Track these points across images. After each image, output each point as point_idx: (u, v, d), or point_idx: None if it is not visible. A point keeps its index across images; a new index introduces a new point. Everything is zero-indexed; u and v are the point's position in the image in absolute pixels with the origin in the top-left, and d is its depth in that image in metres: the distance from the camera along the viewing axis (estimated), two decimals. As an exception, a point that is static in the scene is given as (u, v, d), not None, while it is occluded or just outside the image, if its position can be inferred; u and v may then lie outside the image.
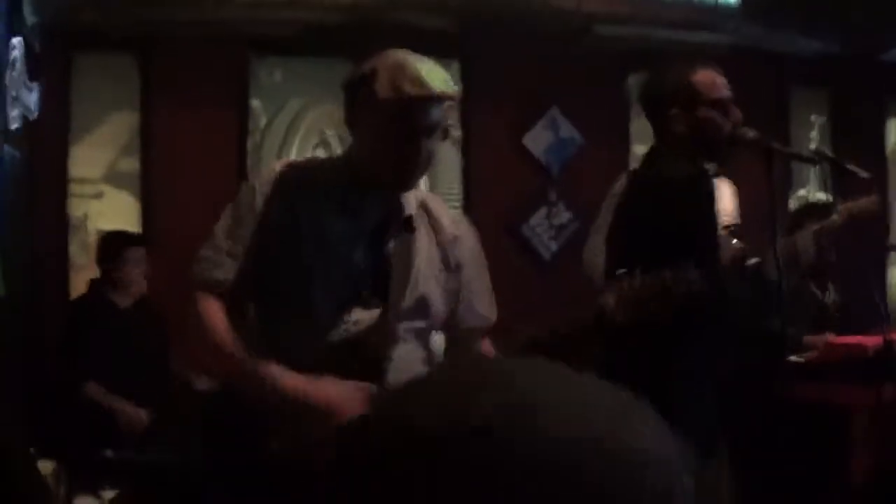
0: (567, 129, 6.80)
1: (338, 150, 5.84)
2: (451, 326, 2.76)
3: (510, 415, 0.68)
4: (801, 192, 7.22)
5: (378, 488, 0.67)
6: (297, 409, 2.42)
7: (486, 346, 2.73)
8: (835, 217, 4.62)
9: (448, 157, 6.62)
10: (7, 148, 5.12)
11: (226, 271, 2.59)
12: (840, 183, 4.24)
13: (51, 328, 5.61)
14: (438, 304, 2.66)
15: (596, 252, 3.69)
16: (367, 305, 2.56)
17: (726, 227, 3.34)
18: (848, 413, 4.61)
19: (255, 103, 6.52)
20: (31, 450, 4.35)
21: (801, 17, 6.75)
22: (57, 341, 5.38)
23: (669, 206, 2.97)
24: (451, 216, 2.77)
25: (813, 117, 7.54)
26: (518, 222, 6.72)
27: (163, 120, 6.26)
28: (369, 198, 2.59)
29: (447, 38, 6.36)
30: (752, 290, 3.81)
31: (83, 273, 5.72)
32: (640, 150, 5.74)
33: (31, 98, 5.53)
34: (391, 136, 2.47)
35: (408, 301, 2.58)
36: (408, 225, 2.61)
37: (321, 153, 6.39)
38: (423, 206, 2.69)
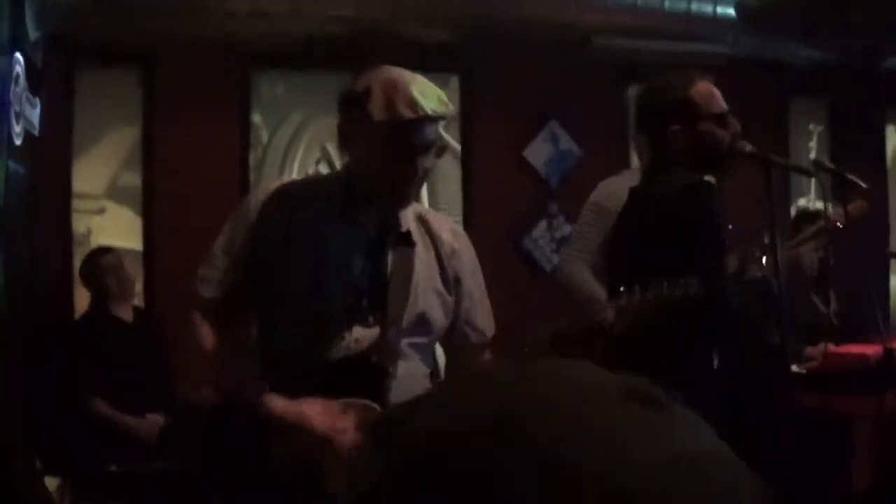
0: (566, 142, 6.82)
1: (339, 164, 5.86)
2: (449, 340, 2.76)
3: (521, 424, 0.64)
4: (801, 202, 7.23)
5: None
6: (290, 430, 2.43)
7: (486, 360, 2.74)
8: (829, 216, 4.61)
9: (448, 170, 6.63)
10: (10, 163, 5.12)
11: (223, 289, 2.60)
12: (840, 193, 4.23)
13: (54, 344, 5.62)
14: (438, 318, 2.65)
15: (572, 261, 3.69)
16: (367, 322, 2.56)
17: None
18: (849, 423, 4.61)
19: (257, 117, 6.54)
20: (37, 464, 4.36)
21: (799, 26, 6.76)
22: (61, 357, 5.39)
23: (674, 221, 2.97)
24: (449, 229, 2.77)
25: (812, 126, 7.55)
26: (519, 235, 6.74)
27: (164, 134, 6.28)
28: (367, 214, 2.59)
29: (447, 51, 6.38)
30: (753, 299, 3.82)
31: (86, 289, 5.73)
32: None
33: (34, 113, 5.54)
34: (387, 155, 2.47)
35: (408, 317, 2.58)
36: (406, 240, 2.61)
37: (323, 167, 6.41)
38: (421, 220, 2.69)
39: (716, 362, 3.19)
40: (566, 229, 6.69)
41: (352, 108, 2.50)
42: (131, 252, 6.11)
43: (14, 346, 5.19)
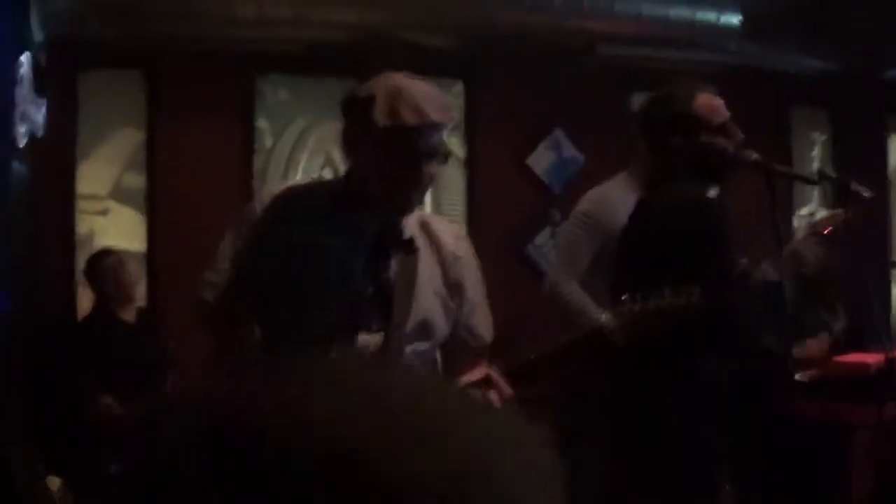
0: (570, 149, 6.83)
1: (343, 169, 5.86)
2: (449, 345, 2.76)
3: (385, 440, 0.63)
4: (804, 211, 7.24)
5: None
6: None
7: (483, 366, 2.73)
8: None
9: (452, 177, 6.64)
10: (15, 164, 5.14)
11: (225, 295, 2.60)
12: (842, 201, 4.24)
13: (57, 344, 5.63)
14: (441, 324, 2.65)
15: (559, 275, 3.63)
16: (370, 329, 2.56)
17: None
18: (849, 431, 4.61)
19: (262, 122, 6.55)
20: (39, 465, 4.36)
21: (801, 36, 6.77)
22: (63, 358, 5.41)
23: (678, 235, 2.97)
24: (452, 234, 2.76)
25: (814, 135, 7.56)
26: (522, 242, 6.74)
27: (168, 136, 6.29)
28: (369, 220, 2.57)
29: (451, 58, 6.39)
30: (756, 306, 3.82)
31: (90, 290, 5.74)
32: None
33: (39, 115, 5.55)
34: (390, 162, 2.46)
35: (411, 324, 2.57)
36: (409, 247, 2.61)
37: (328, 173, 6.41)
38: (424, 226, 2.68)
39: (720, 371, 3.20)
40: (569, 236, 6.70)
41: (356, 114, 2.48)
42: (134, 253, 6.12)
43: (16, 346, 5.19)
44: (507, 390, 2.43)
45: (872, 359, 4.70)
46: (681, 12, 6.40)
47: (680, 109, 3.18)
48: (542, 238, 6.75)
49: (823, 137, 7.56)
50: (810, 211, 7.22)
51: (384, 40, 6.09)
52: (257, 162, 6.50)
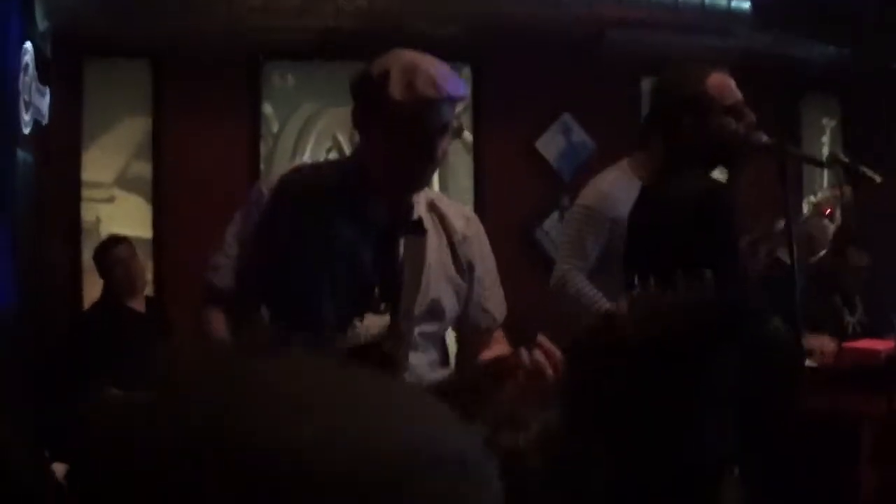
0: (579, 134, 6.80)
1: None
2: (461, 326, 2.75)
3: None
4: (813, 198, 7.21)
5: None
6: None
7: (501, 341, 2.71)
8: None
9: (460, 162, 6.62)
10: (20, 152, 5.13)
11: (234, 278, 2.59)
12: (853, 186, 4.21)
13: (64, 333, 5.63)
14: (451, 305, 2.64)
15: (567, 269, 3.60)
16: (378, 310, 2.55)
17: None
18: (859, 419, 4.58)
19: (268, 108, 6.53)
20: (44, 453, 4.35)
21: (812, 22, 6.73)
22: (71, 347, 5.40)
23: (692, 222, 2.94)
24: (461, 214, 2.74)
25: (824, 122, 7.52)
26: (531, 227, 6.72)
27: (174, 124, 6.28)
28: (378, 201, 2.57)
29: (459, 43, 6.36)
30: (768, 295, 3.79)
31: (96, 278, 5.73)
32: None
33: (43, 103, 5.55)
34: (405, 137, 2.44)
35: (420, 305, 2.56)
36: (418, 227, 2.60)
37: (334, 157, 6.39)
38: (432, 207, 2.67)
39: (733, 362, 3.16)
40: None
41: (369, 92, 2.47)
42: (141, 240, 6.10)
43: (22, 335, 5.19)
44: (557, 353, 2.37)
45: (882, 346, 4.68)
46: (691, -3, 6.38)
47: (690, 92, 3.15)
48: (551, 223, 6.72)
49: (833, 123, 7.53)
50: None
51: (391, 27, 6.06)
52: (264, 148, 6.48)
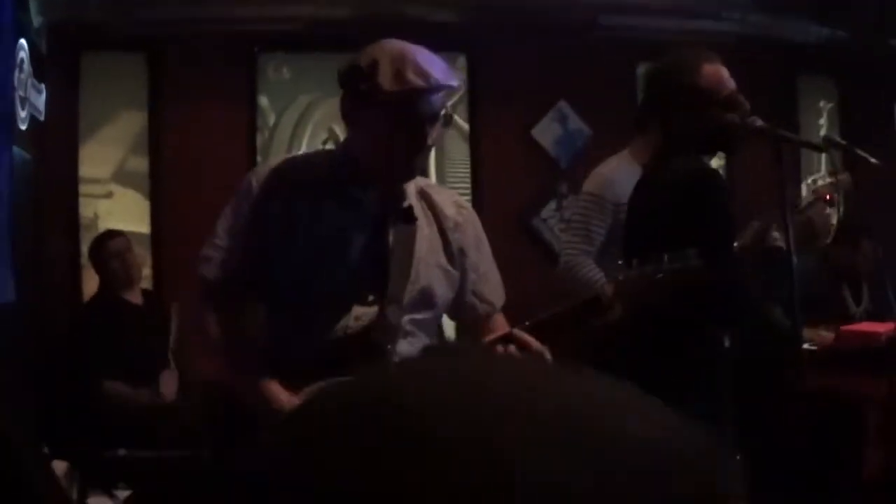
0: (575, 121, 6.78)
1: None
2: (459, 313, 2.75)
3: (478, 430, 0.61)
4: (811, 180, 7.19)
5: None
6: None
7: (502, 327, 2.70)
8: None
9: (457, 151, 6.61)
10: (16, 149, 5.13)
11: (225, 270, 2.59)
12: (850, 169, 4.21)
13: (63, 328, 5.63)
14: (442, 293, 2.63)
15: (575, 254, 3.62)
16: (368, 300, 2.55)
17: None
18: (860, 402, 4.58)
19: (263, 100, 6.52)
20: (45, 450, 4.36)
21: (808, 4, 6.72)
22: (70, 342, 5.40)
23: (684, 205, 2.94)
24: (452, 202, 2.74)
25: (821, 104, 7.51)
26: (529, 215, 6.71)
27: (171, 118, 6.27)
28: (368, 191, 2.57)
29: (454, 31, 6.35)
30: (764, 277, 3.79)
31: (94, 273, 5.73)
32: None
33: (40, 99, 5.54)
34: (394, 127, 2.44)
35: (410, 294, 2.56)
36: (408, 216, 2.60)
37: (331, 148, 6.39)
38: (423, 195, 2.67)
39: (727, 343, 3.17)
40: (575, 209, 6.67)
41: (357, 82, 2.47)
42: (139, 235, 6.10)
43: (22, 331, 5.20)
44: (535, 344, 2.39)
45: (883, 328, 4.67)
46: (686, -19, 6.36)
47: (685, 83, 3.14)
48: (549, 211, 6.72)
49: (830, 105, 7.51)
50: (816, 179, 7.17)
51: (386, 15, 6.05)
52: (260, 140, 6.47)
